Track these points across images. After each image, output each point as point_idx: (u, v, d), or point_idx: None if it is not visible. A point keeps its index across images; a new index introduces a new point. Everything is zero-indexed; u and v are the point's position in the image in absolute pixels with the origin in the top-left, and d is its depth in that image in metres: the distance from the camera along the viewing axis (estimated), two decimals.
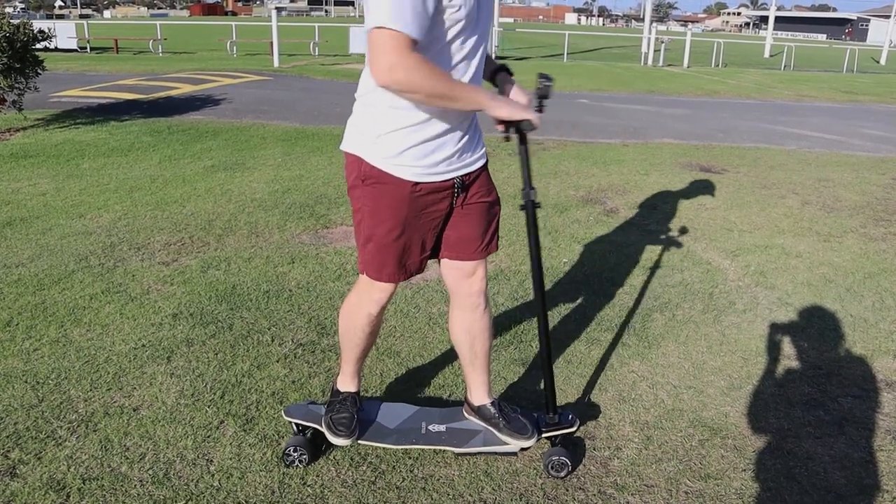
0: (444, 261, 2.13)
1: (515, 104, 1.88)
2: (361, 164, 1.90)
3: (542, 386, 2.72)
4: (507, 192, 5.56)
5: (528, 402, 2.59)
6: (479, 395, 2.30)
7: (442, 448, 2.25)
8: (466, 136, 1.96)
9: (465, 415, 2.34)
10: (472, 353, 2.24)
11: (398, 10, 1.59)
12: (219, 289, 3.52)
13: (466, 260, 2.11)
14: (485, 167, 2.07)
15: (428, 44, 1.71)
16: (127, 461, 2.20)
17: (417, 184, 1.90)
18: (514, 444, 2.23)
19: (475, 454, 2.27)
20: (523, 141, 2.00)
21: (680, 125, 9.70)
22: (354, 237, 2.06)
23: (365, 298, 2.11)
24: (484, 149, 2.07)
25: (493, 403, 2.29)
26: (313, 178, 5.83)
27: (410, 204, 1.92)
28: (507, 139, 1.97)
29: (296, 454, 2.18)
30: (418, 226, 1.97)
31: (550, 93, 1.96)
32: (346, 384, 2.30)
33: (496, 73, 2.11)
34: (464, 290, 2.16)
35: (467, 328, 2.20)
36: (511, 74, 2.11)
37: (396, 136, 1.85)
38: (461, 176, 1.97)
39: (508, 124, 1.92)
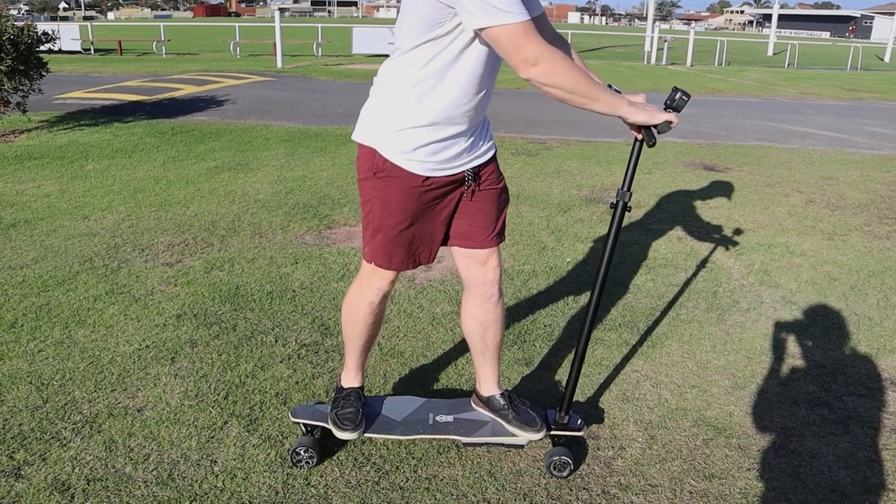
0: (456, 250, 2.13)
1: (653, 109, 1.88)
2: (375, 157, 1.91)
3: (545, 386, 2.72)
4: (510, 191, 5.55)
5: (531, 402, 2.59)
6: (489, 385, 2.30)
7: (449, 438, 2.25)
8: (478, 131, 1.98)
9: (474, 406, 2.35)
10: (484, 343, 2.24)
11: (506, 2, 1.58)
12: (222, 290, 3.52)
13: (479, 248, 2.11)
14: (494, 157, 2.08)
15: (455, 45, 1.74)
16: (131, 462, 2.20)
17: (428, 178, 1.91)
18: (522, 437, 2.23)
19: (482, 445, 2.27)
20: (649, 144, 1.95)
21: (683, 124, 9.68)
22: (362, 227, 2.07)
23: (365, 287, 2.12)
24: (493, 139, 2.08)
25: (502, 395, 2.29)
26: (317, 178, 5.84)
27: (420, 197, 1.94)
28: (651, 145, 1.93)
29: (305, 454, 2.18)
30: (427, 218, 2.00)
31: (682, 108, 1.94)
32: (349, 380, 2.31)
33: None
34: (478, 280, 2.16)
35: (480, 318, 2.20)
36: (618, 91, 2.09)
37: (415, 133, 1.86)
38: (472, 168, 1.98)
39: (644, 128, 1.91)
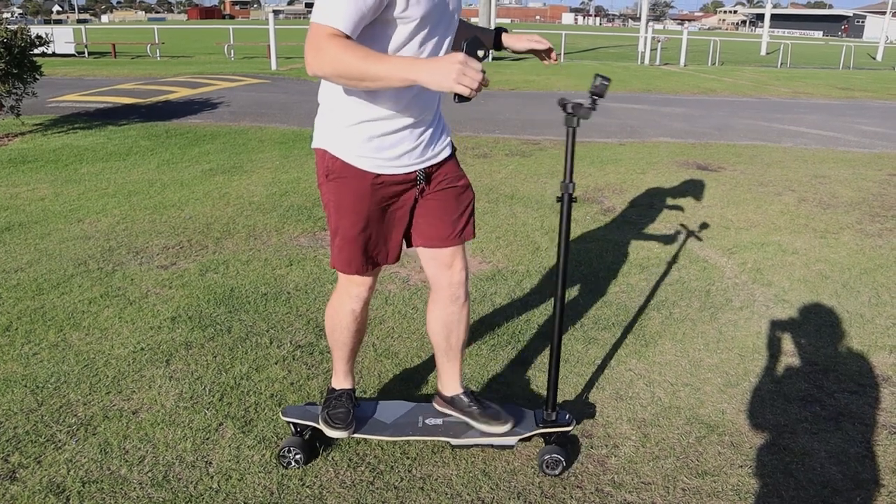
0: (421, 251, 2.14)
1: (438, 64, 1.55)
2: (325, 158, 1.93)
3: (540, 385, 2.73)
4: (505, 192, 5.58)
5: (526, 402, 2.60)
6: (453, 385, 2.31)
7: (439, 439, 2.26)
8: (430, 130, 1.97)
9: (437, 407, 2.35)
10: (448, 344, 2.25)
11: (331, 7, 1.62)
12: (217, 292, 3.52)
13: (441, 247, 2.11)
14: (451, 156, 2.08)
15: (376, 41, 1.74)
16: (126, 464, 2.21)
17: (378, 175, 1.92)
18: (491, 430, 2.24)
19: (472, 446, 2.28)
20: (456, 101, 1.64)
21: (676, 124, 9.72)
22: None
23: (345, 296, 2.13)
24: (448, 139, 2.08)
25: (465, 393, 2.30)
26: (311, 180, 5.84)
27: (372, 196, 1.94)
28: (458, 101, 1.62)
29: (291, 454, 2.19)
30: (382, 218, 2.00)
31: (605, 92, 1.94)
32: (340, 382, 2.32)
33: (498, 38, 2.18)
34: (444, 282, 2.17)
35: (445, 320, 2.21)
36: (506, 31, 2.19)
37: (359, 129, 1.87)
38: (423, 169, 1.99)
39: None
